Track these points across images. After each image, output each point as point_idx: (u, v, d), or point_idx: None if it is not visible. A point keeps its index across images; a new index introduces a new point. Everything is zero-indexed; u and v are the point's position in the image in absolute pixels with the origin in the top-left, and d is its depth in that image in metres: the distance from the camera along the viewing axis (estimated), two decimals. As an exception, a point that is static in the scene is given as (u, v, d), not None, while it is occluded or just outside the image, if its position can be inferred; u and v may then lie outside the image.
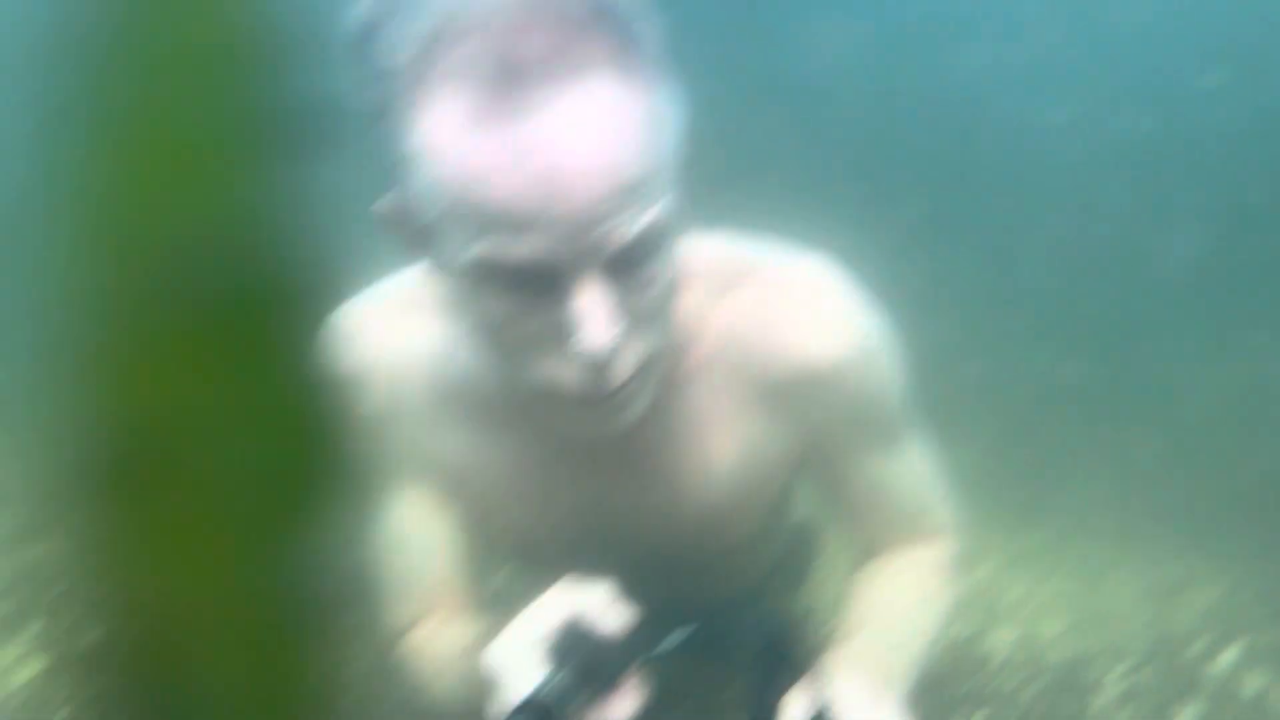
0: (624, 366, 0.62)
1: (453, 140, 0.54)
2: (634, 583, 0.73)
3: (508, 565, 0.90)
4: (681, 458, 0.80)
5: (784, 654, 0.61)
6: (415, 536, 0.85)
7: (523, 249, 0.55)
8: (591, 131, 0.54)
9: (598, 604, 0.64)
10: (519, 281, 0.57)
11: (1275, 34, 3.61)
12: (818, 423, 0.80)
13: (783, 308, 0.75)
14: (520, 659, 0.62)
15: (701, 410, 0.78)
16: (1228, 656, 1.38)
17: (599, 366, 0.60)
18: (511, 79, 0.53)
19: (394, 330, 0.80)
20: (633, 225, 0.56)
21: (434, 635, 0.84)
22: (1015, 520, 1.90)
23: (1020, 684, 1.30)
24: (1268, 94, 3.61)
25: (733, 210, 0.83)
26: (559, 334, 0.59)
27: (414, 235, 0.62)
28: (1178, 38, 3.89)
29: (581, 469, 0.81)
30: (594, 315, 0.57)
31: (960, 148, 3.82)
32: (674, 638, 0.62)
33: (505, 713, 0.59)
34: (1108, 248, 3.37)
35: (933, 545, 0.90)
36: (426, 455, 0.82)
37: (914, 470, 0.88)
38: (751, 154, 2.84)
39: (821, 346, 0.76)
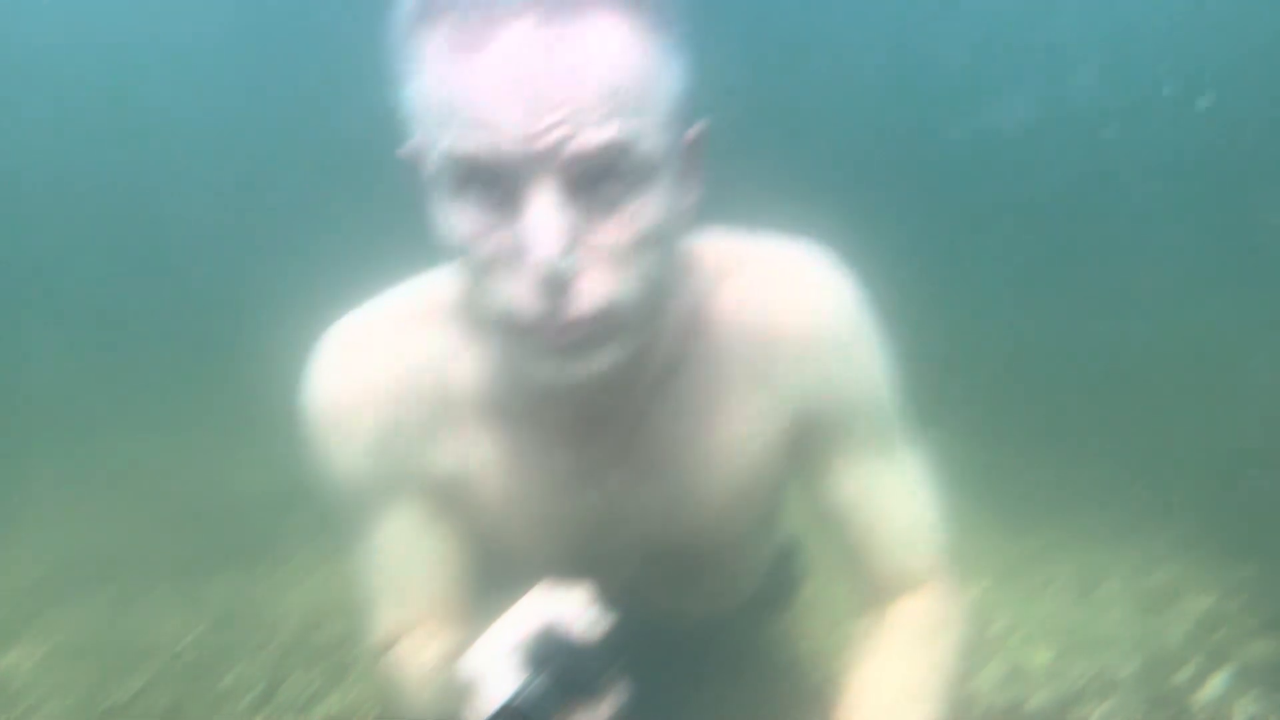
0: (584, 299, 0.61)
1: (435, 55, 0.58)
2: (624, 593, 0.72)
3: (503, 573, 0.89)
4: (683, 445, 0.80)
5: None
6: (410, 549, 0.85)
7: (480, 140, 0.57)
8: (564, 43, 0.56)
9: (575, 610, 0.63)
10: (481, 186, 0.60)
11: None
12: (809, 399, 0.80)
13: (774, 289, 0.79)
14: (496, 665, 0.61)
15: (701, 397, 0.79)
16: (1217, 681, 1.35)
17: (550, 285, 0.59)
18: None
19: (396, 341, 0.80)
20: (591, 137, 0.57)
21: (419, 647, 0.84)
22: (1006, 529, 1.88)
23: (1003, 733, 1.28)
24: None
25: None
26: (517, 250, 0.60)
27: (421, 168, 0.64)
28: None
29: (584, 459, 0.81)
30: (544, 224, 0.58)
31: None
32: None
33: (481, 718, 0.58)
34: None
35: (934, 599, 0.86)
36: (426, 464, 0.82)
37: (910, 491, 0.85)
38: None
39: (809, 317, 0.79)
